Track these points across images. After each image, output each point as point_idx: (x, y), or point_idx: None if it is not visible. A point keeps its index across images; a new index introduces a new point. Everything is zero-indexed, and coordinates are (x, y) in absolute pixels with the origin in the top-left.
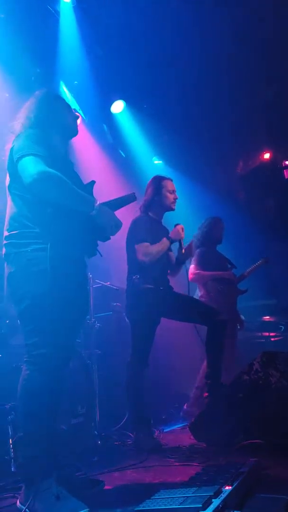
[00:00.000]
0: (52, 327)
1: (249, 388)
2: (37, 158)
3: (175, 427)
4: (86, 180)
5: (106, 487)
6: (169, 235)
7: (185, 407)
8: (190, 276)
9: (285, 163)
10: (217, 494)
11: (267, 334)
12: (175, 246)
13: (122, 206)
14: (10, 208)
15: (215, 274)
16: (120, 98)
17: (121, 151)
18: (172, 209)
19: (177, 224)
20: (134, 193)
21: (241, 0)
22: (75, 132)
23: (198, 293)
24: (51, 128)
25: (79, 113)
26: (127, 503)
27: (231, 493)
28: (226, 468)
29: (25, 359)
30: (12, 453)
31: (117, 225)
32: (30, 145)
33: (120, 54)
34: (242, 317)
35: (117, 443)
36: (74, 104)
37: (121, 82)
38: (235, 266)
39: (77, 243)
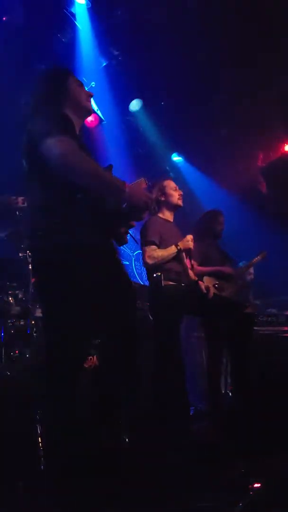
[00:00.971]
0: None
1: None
2: (64, 138)
3: (203, 424)
4: None
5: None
6: (178, 244)
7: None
8: None
9: None
10: (246, 493)
11: None
12: None
13: None
14: (32, 197)
15: (210, 269)
16: (137, 97)
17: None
18: (180, 206)
19: (188, 235)
20: (144, 177)
21: None
22: (89, 111)
23: None
24: (64, 106)
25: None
26: (154, 501)
27: (260, 491)
28: (255, 467)
29: (48, 363)
30: (41, 452)
31: (151, 199)
32: (52, 125)
33: (135, 54)
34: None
35: None
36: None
37: (137, 81)
38: (235, 261)
39: (107, 232)
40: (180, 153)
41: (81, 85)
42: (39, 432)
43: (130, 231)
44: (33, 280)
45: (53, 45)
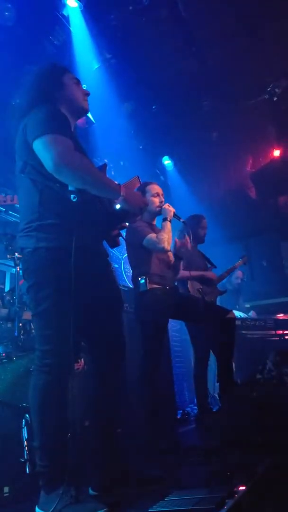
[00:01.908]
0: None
1: (263, 387)
2: (60, 137)
3: (190, 427)
4: None
5: None
6: (164, 216)
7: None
8: None
9: None
10: (231, 494)
11: (281, 332)
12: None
13: None
14: (25, 196)
15: (195, 274)
16: (129, 100)
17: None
18: (159, 213)
19: (163, 204)
20: (137, 176)
21: None
22: (85, 110)
23: None
24: (60, 103)
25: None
26: (141, 504)
27: (245, 493)
28: (241, 468)
29: (37, 367)
30: (27, 456)
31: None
32: (48, 122)
33: (128, 57)
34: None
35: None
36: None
37: (129, 83)
38: (215, 266)
39: (100, 234)
40: (170, 157)
41: (78, 83)
42: (25, 436)
43: (122, 233)
44: (21, 282)
45: (45, 47)
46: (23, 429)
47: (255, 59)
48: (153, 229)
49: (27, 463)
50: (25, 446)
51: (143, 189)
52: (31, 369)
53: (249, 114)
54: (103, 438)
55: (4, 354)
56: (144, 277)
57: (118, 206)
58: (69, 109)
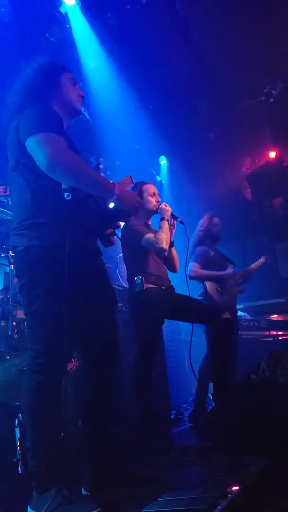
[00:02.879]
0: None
1: (257, 387)
2: (54, 135)
3: (183, 427)
4: None
5: None
6: (161, 216)
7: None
8: (190, 274)
9: None
10: (224, 495)
11: (275, 333)
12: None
13: None
14: (17, 194)
15: (213, 274)
16: (125, 98)
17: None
18: (157, 212)
19: (160, 203)
20: (130, 175)
21: None
22: (78, 111)
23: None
24: (54, 102)
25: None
26: (134, 504)
27: (238, 494)
28: (234, 469)
29: (30, 367)
30: (20, 456)
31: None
32: (42, 120)
33: (124, 56)
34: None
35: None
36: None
37: (125, 82)
38: (234, 265)
39: (93, 233)
40: (167, 157)
41: (74, 84)
42: (18, 435)
43: (117, 232)
44: (15, 280)
45: (41, 44)
46: (15, 428)
47: (252, 60)
48: (149, 229)
49: (20, 463)
50: (18, 446)
51: (139, 189)
52: (24, 369)
53: (245, 115)
54: (96, 438)
55: None
56: (140, 277)
57: (112, 205)
58: (62, 109)
